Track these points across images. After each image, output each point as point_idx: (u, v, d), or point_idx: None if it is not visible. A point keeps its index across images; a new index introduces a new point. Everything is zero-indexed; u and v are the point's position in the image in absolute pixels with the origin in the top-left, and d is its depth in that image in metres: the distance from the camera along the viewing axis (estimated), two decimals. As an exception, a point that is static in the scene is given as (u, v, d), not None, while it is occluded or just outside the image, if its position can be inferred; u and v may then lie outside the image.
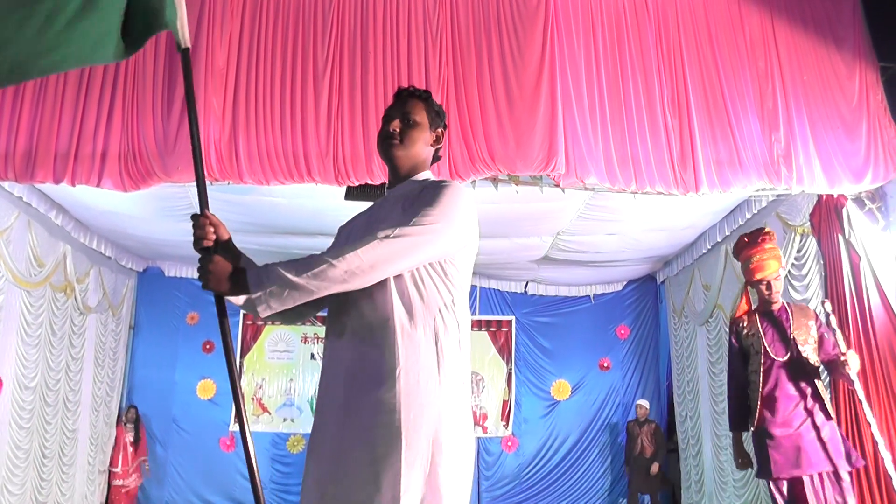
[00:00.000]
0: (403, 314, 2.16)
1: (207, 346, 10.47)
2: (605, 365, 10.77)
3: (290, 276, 2.04)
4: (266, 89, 5.67)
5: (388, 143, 2.40)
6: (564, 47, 5.83)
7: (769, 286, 4.75)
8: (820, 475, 4.45)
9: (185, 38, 2.37)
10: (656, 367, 10.78)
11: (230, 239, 2.29)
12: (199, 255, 2.19)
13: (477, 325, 10.65)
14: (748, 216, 7.47)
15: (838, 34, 6.18)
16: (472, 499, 9.73)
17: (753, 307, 4.94)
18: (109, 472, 9.79)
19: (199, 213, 2.25)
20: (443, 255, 2.23)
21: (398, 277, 2.18)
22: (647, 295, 11.06)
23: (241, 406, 2.26)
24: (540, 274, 10.32)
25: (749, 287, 5.10)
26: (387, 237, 2.10)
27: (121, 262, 9.81)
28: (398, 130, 2.40)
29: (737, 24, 6.08)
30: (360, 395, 2.12)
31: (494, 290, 10.89)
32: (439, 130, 2.50)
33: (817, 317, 4.83)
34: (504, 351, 10.85)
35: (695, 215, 7.91)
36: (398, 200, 2.32)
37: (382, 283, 2.17)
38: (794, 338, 4.64)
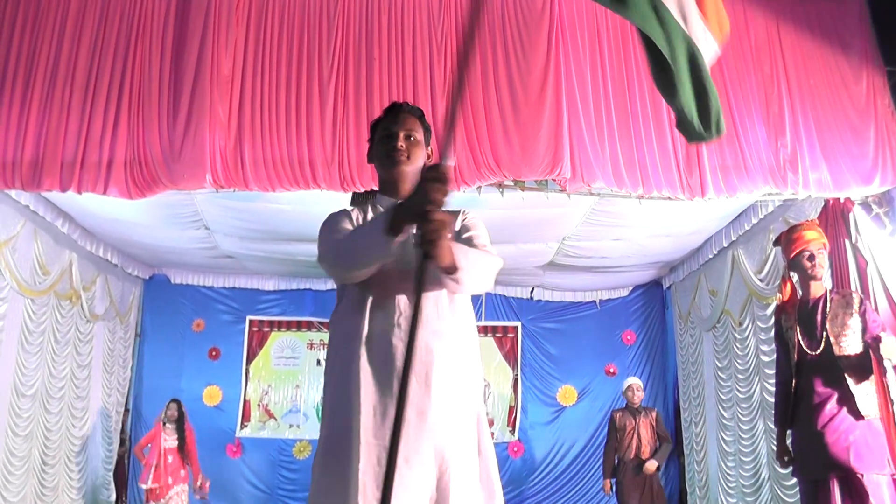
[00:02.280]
0: (472, 324, 2.49)
1: (213, 353, 10.49)
2: (612, 371, 10.73)
3: (483, 268, 2.33)
4: (271, 97, 5.67)
5: (396, 160, 2.50)
6: (570, 52, 5.82)
7: (812, 257, 4.53)
8: (849, 478, 4.27)
9: None
10: (663, 373, 10.73)
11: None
12: (424, 212, 2.04)
13: (483, 330, 10.62)
14: (754, 221, 7.44)
15: (844, 39, 6.16)
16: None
17: (798, 295, 4.73)
18: (146, 492, 8.30)
19: (443, 163, 2.09)
20: None
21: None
22: (653, 300, 11.02)
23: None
24: (546, 280, 10.31)
25: (791, 273, 4.87)
26: (492, 253, 2.48)
27: (127, 270, 9.84)
28: (405, 147, 2.51)
29: (742, 29, 6.06)
30: (446, 390, 2.30)
31: (500, 295, 10.86)
32: (430, 148, 2.62)
33: (863, 301, 4.58)
34: (510, 357, 10.83)
35: (701, 220, 7.89)
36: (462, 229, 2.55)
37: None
38: (827, 331, 4.44)
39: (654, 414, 7.88)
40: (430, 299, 2.32)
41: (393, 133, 2.51)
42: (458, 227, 2.50)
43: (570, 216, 7.52)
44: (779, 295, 4.80)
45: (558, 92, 5.72)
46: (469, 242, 2.41)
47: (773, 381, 7.12)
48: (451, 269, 2.18)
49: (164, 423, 8.58)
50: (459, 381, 2.34)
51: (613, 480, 7.82)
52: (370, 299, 2.34)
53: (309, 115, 5.65)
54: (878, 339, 4.31)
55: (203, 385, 10.38)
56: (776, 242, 4.91)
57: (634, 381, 8.12)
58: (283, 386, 10.56)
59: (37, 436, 7.75)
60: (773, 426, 7.03)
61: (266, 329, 10.68)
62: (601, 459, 10.23)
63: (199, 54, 5.68)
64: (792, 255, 4.65)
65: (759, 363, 7.60)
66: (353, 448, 2.19)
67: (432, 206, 2.03)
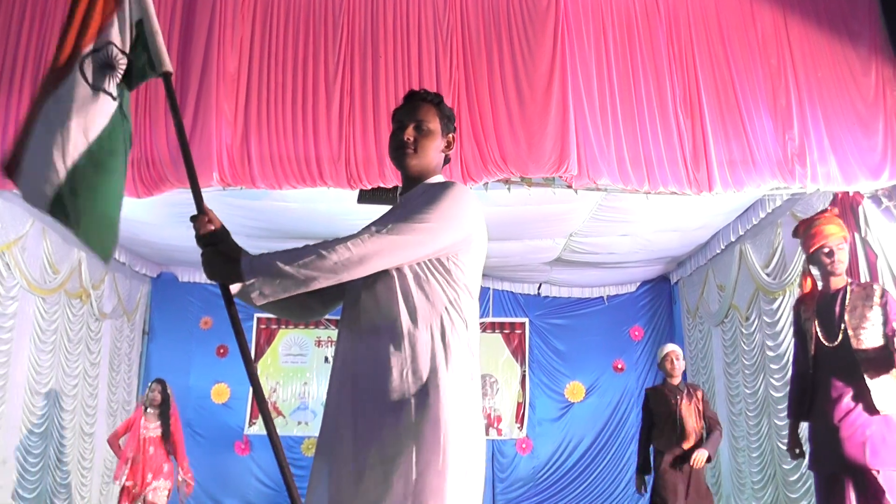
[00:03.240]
0: (408, 315, 2.19)
1: (221, 351, 10.51)
2: (620, 366, 10.72)
3: (280, 264, 2.11)
4: (277, 94, 5.68)
5: (401, 153, 2.40)
6: (575, 48, 5.81)
7: (831, 253, 4.44)
8: (864, 475, 4.19)
9: (165, 61, 2.45)
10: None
11: (226, 231, 2.37)
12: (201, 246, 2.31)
13: (490, 327, 10.62)
14: (762, 215, 7.41)
15: (853, 29, 6.12)
16: (487, 501, 9.72)
17: (818, 288, 4.64)
18: (122, 487, 7.18)
19: (196, 214, 2.35)
20: (439, 252, 2.24)
21: (402, 277, 2.21)
22: (660, 296, 11.00)
23: (263, 401, 2.32)
24: (553, 276, 10.29)
25: (811, 266, 4.77)
26: (378, 231, 2.16)
27: (135, 269, 9.88)
28: (412, 140, 2.39)
29: (748, 22, 6.03)
30: (367, 396, 2.14)
31: (507, 292, 10.85)
32: (451, 136, 2.50)
33: (885, 293, 4.45)
34: (518, 353, 10.82)
35: (708, 215, 7.86)
36: (405, 202, 2.34)
37: (387, 283, 2.21)
38: (845, 323, 4.34)
39: (699, 392, 6.21)
40: (355, 302, 2.28)
41: (402, 124, 2.42)
42: (414, 197, 2.34)
43: (576, 212, 7.51)
44: (807, 284, 4.71)
45: (564, 88, 5.71)
46: (405, 213, 2.22)
47: (777, 377, 7.17)
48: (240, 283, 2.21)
49: (146, 409, 7.44)
50: (370, 380, 2.17)
51: (649, 478, 6.18)
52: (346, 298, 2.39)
53: (315, 112, 5.65)
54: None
55: (211, 382, 10.41)
56: (795, 233, 4.82)
57: (673, 348, 6.46)
58: (292, 383, 10.58)
59: (52, 434, 7.79)
60: (778, 423, 7.05)
61: (274, 327, 10.69)
62: (609, 455, 10.34)
63: (205, 52, 5.69)
64: (811, 250, 4.58)
65: (765, 359, 7.57)
66: None
67: (199, 244, 2.31)
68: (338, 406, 2.22)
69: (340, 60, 5.74)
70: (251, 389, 2.07)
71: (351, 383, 2.20)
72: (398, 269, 2.21)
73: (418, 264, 2.22)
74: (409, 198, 2.34)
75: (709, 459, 5.88)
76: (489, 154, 5.58)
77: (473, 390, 2.22)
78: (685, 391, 6.11)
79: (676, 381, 6.21)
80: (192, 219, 2.34)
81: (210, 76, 5.62)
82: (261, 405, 2.27)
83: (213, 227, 2.32)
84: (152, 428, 7.37)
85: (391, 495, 2.02)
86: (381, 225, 2.18)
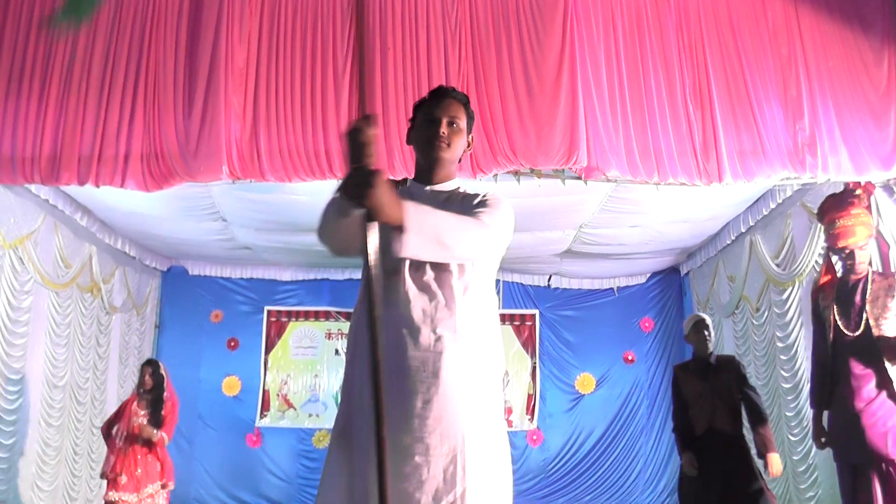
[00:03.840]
0: (465, 310, 2.28)
1: (232, 344, 10.56)
2: (630, 358, 10.71)
3: (444, 236, 2.14)
4: (286, 87, 5.68)
5: (436, 146, 2.45)
6: (584, 39, 5.78)
7: (852, 255, 4.45)
8: (885, 465, 4.19)
9: None
10: (681, 360, 10.66)
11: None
12: (358, 169, 1.95)
13: (501, 319, 10.51)
14: (772, 206, 7.38)
15: (865, 18, 6.06)
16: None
17: (839, 274, 4.63)
18: (108, 485, 6.44)
19: (369, 115, 2.00)
20: (494, 254, 2.41)
21: (461, 272, 2.31)
22: (671, 287, 10.97)
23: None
24: (563, 267, 10.29)
25: (831, 253, 4.79)
26: (486, 224, 2.28)
27: (145, 262, 9.92)
28: (447, 134, 2.45)
29: (759, 11, 5.99)
30: (416, 384, 2.19)
31: (517, 283, 10.84)
32: (472, 136, 2.58)
33: None
34: (528, 345, 10.82)
35: (718, 206, 7.84)
36: (463, 201, 2.43)
37: (446, 277, 2.29)
38: (867, 312, 4.34)
39: (734, 364, 5.57)
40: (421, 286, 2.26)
41: (436, 118, 2.45)
42: (474, 202, 2.40)
43: (586, 203, 7.50)
44: (816, 277, 4.71)
45: (573, 80, 5.69)
46: (485, 216, 2.30)
47: (787, 367, 7.15)
48: (397, 227, 2.02)
49: (140, 395, 6.84)
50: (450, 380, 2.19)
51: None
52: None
53: (324, 105, 5.65)
54: None
55: (222, 375, 10.45)
56: (819, 214, 4.79)
57: (702, 316, 5.80)
58: (302, 375, 10.61)
59: (68, 427, 7.86)
60: (788, 413, 7.02)
61: (284, 319, 10.73)
62: (620, 447, 10.33)
63: (213, 46, 5.69)
64: (835, 246, 4.56)
65: (775, 350, 7.55)
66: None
67: (357, 151, 1.95)
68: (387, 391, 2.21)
69: (349, 53, 5.73)
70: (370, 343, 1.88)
71: (398, 372, 2.17)
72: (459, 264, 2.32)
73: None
74: (465, 199, 2.43)
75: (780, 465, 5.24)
76: (499, 146, 5.58)
77: (500, 385, 2.37)
78: (717, 367, 5.50)
79: (708, 353, 5.55)
80: (364, 119, 1.98)
81: (218, 70, 5.63)
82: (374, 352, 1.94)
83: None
84: (143, 415, 6.69)
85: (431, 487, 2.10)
86: (484, 219, 2.29)
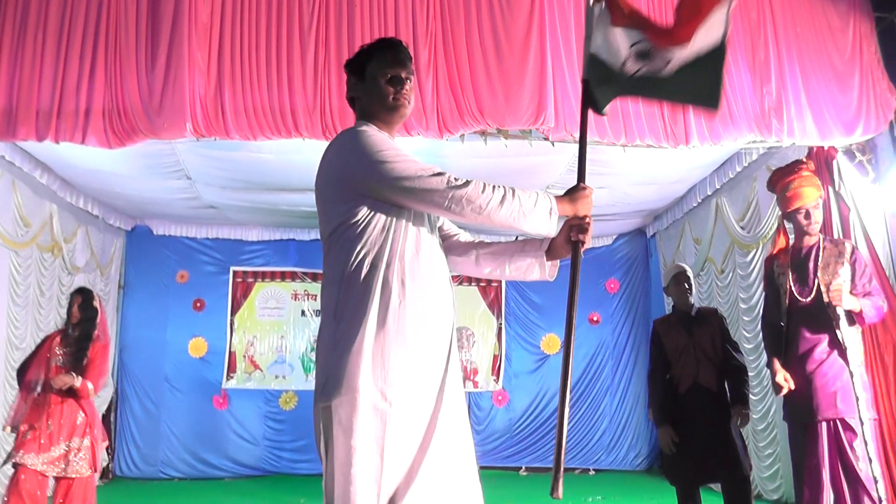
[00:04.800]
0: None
1: (198, 305, 10.47)
2: (595, 319, 10.81)
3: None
4: (251, 44, 5.58)
5: (402, 104, 2.56)
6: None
7: (808, 215, 4.54)
8: (832, 423, 4.33)
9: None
10: (647, 321, 10.77)
11: None
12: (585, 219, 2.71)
13: (467, 280, 10.62)
14: (738, 169, 7.45)
15: (833, -16, 6.10)
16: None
17: (791, 243, 4.73)
18: (15, 441, 5.23)
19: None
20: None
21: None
22: (636, 249, 11.05)
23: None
24: (530, 229, 10.29)
25: (786, 221, 4.88)
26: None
27: (108, 221, 9.74)
28: (408, 92, 2.57)
29: (729, -26, 5.97)
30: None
31: (484, 245, 10.82)
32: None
33: (856, 251, 4.62)
34: (494, 306, 10.88)
35: (685, 168, 7.88)
36: None
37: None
38: (818, 278, 4.47)
39: (717, 317, 5.32)
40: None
41: (401, 77, 2.54)
42: None
43: (554, 164, 7.50)
44: (780, 241, 4.79)
45: (542, 40, 5.66)
46: None
47: (749, 328, 7.27)
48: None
49: (66, 331, 5.58)
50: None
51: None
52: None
53: (290, 63, 5.57)
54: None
55: (188, 337, 10.38)
56: (770, 186, 4.87)
57: (683, 268, 5.46)
58: (268, 337, 10.58)
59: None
60: (751, 373, 7.14)
61: (250, 280, 10.65)
62: (584, 408, 10.45)
63: (175, 0, 5.58)
64: (788, 210, 4.65)
65: (738, 311, 7.67)
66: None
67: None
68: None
69: (315, 10, 5.65)
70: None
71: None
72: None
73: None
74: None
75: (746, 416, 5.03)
76: (466, 106, 5.55)
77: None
78: (700, 319, 5.25)
79: (689, 306, 5.31)
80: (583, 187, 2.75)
81: (182, 25, 5.52)
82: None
83: None
84: (64, 354, 5.44)
85: None
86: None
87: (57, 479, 5.24)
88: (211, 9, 5.60)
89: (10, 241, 7.16)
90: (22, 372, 5.50)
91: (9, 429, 5.28)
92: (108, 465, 9.52)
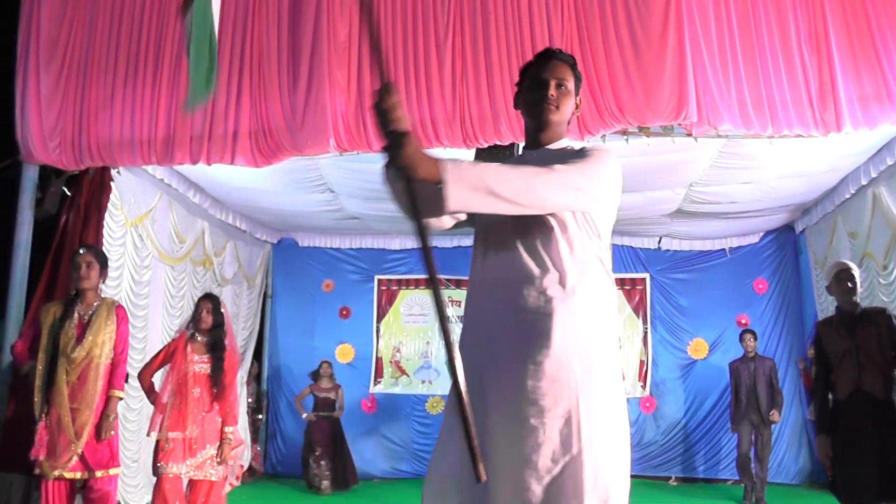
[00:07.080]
0: (574, 266, 2.24)
1: (344, 312, 10.84)
2: (744, 322, 10.33)
3: (489, 181, 2.07)
4: (389, 59, 5.71)
5: (544, 108, 2.42)
6: (691, -11, 5.60)
7: None
8: None
9: None
10: (799, 323, 10.25)
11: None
12: (388, 134, 2.10)
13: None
14: (898, 155, 6.98)
15: None
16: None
17: None
18: (157, 446, 5.26)
19: (387, 83, 2.15)
20: (587, 209, 2.28)
21: (562, 227, 2.26)
22: (785, 246, 10.49)
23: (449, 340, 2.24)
24: (673, 228, 10.04)
25: None
26: (557, 171, 2.18)
27: (255, 235, 10.24)
28: (556, 96, 2.42)
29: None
30: (531, 348, 2.17)
31: (627, 247, 10.63)
32: (580, 98, 2.53)
33: None
34: (639, 310, 10.63)
35: (836, 157, 7.45)
36: (562, 155, 2.35)
37: (547, 232, 2.25)
38: None
39: (885, 317, 4.98)
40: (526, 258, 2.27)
41: (543, 81, 2.43)
42: (571, 155, 2.35)
43: (696, 160, 7.28)
44: None
45: (680, 32, 5.50)
46: (570, 165, 2.26)
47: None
48: (440, 183, 2.04)
49: (193, 335, 5.52)
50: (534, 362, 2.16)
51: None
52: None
53: (428, 74, 5.67)
54: None
55: (335, 343, 10.71)
56: None
57: (848, 264, 5.23)
58: (414, 342, 10.79)
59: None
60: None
61: (394, 287, 10.89)
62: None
63: (315, 22, 5.79)
64: None
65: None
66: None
67: (384, 119, 2.09)
68: (490, 355, 2.27)
69: (450, 21, 5.72)
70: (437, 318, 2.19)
71: (509, 336, 2.23)
72: (556, 217, 2.26)
73: (573, 215, 2.27)
74: (565, 153, 2.36)
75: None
76: (605, 105, 5.47)
77: (614, 347, 2.32)
78: (864, 319, 4.95)
79: (852, 307, 5.02)
80: (385, 89, 2.13)
81: (321, 46, 5.73)
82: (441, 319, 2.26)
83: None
84: (200, 362, 5.42)
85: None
86: (555, 168, 2.20)
87: (192, 480, 5.38)
88: (349, 28, 5.78)
89: (166, 257, 7.63)
90: (146, 376, 5.53)
91: (153, 434, 5.31)
92: (250, 464, 9.92)
